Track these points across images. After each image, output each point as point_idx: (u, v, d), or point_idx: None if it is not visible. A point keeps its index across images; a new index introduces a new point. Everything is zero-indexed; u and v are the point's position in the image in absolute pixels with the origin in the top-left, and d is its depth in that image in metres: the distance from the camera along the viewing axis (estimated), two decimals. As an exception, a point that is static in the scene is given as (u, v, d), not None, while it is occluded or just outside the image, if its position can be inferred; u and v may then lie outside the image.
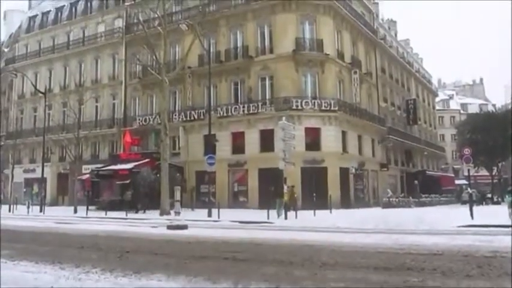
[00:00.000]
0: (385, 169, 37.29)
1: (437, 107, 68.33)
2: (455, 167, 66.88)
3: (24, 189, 39.94)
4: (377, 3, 48.45)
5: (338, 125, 29.46)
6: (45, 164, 33.37)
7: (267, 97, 29.64)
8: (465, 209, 19.78)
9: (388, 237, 10.48)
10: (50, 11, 44.92)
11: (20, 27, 48.23)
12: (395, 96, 45.32)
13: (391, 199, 32.03)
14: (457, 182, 56.95)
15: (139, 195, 28.00)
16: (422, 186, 40.16)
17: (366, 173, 33.66)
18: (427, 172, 47.91)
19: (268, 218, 18.18)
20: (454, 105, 78.39)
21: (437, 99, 69.22)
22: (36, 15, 46.39)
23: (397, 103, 45.52)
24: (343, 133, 30.31)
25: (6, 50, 51.78)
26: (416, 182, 40.78)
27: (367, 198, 33.37)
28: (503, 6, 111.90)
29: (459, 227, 13.62)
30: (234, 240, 10.97)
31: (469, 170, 22.12)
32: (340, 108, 29.45)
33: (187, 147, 31.43)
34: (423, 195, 37.03)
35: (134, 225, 17.21)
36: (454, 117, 74.82)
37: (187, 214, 21.83)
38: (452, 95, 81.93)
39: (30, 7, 50.32)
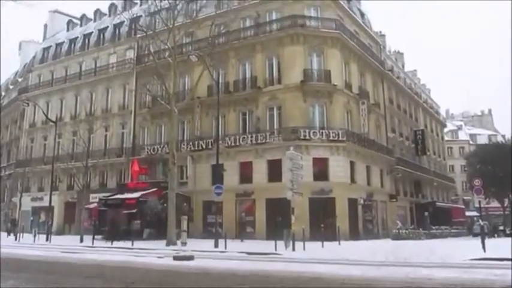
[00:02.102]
0: (394, 200, 36.84)
1: (446, 138, 68.05)
2: (465, 198, 65.98)
3: (32, 218, 39.89)
4: (384, 35, 49.14)
5: (346, 155, 29.37)
6: (53, 192, 33.47)
7: (275, 127, 29.75)
8: (477, 241, 19.39)
9: (399, 271, 10.24)
10: (64, 42, 46.10)
11: (34, 57, 49.45)
12: (404, 126, 45.28)
13: (400, 231, 31.49)
14: (467, 213, 56.11)
15: (146, 225, 27.93)
16: (432, 218, 39.54)
17: (374, 203, 33.26)
18: (437, 203, 47.23)
19: (275, 249, 17.90)
20: (462, 135, 78.09)
21: (445, 129, 69.03)
22: (50, 46, 47.59)
23: (406, 133, 45.43)
24: (352, 163, 30.16)
25: (19, 79, 52.96)
26: (426, 213, 40.18)
27: (376, 230, 32.85)
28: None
29: (471, 260, 13.28)
30: (241, 272, 10.78)
31: (480, 202, 21.82)
32: (348, 139, 29.42)
33: (194, 177, 31.41)
34: (433, 227, 36.41)
35: (140, 256, 17.00)
36: (463, 148, 74.40)
37: (194, 244, 21.62)
38: (461, 125, 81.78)
39: (44, 38, 51.68)
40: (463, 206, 60.38)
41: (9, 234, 30.19)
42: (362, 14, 40.14)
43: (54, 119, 35.21)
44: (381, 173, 35.26)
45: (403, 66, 54.38)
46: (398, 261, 13.01)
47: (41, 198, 39.43)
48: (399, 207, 39.34)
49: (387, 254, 15.82)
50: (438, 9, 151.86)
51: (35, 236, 29.02)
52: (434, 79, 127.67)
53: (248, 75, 31.64)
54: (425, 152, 47.82)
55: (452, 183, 61.20)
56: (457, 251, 17.22)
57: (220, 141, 26.83)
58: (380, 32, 47.95)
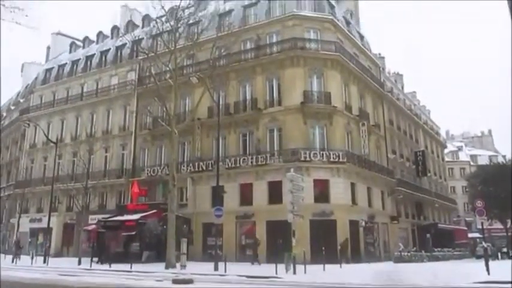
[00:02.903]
0: (396, 222, 36.54)
1: (446, 159, 67.98)
2: (467, 219, 65.51)
3: (30, 239, 39.50)
4: (383, 57, 49.62)
5: (347, 177, 29.26)
6: (52, 213, 33.24)
7: (275, 149, 29.71)
8: (480, 263, 19.11)
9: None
10: (66, 63, 46.54)
11: (36, 78, 49.84)
12: (404, 147, 45.28)
13: (403, 253, 31.14)
14: (470, 235, 55.58)
15: (145, 247, 27.66)
16: (435, 240, 39.20)
17: (376, 226, 32.97)
18: (439, 225, 46.87)
19: (276, 273, 17.63)
20: (463, 156, 78.03)
21: (446, 150, 69.02)
22: (52, 68, 48.03)
23: (406, 155, 45.41)
24: (352, 185, 30.03)
25: (21, 100, 53.23)
26: (428, 235, 39.86)
27: (378, 252, 32.48)
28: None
29: (476, 283, 13.09)
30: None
31: (482, 223, 21.58)
32: (349, 160, 29.36)
33: (194, 199, 31.23)
34: (436, 249, 36.02)
35: (139, 279, 16.76)
36: (464, 169, 74.23)
37: (194, 267, 21.35)
38: (461, 146, 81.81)
39: (47, 60, 52.19)
40: (466, 228, 59.91)
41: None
42: (361, 37, 40.60)
43: (54, 140, 35.28)
44: (381, 194, 35.08)
45: (402, 88, 54.74)
46: (402, 285, 12.81)
47: (40, 220, 39.13)
48: (401, 229, 39.00)
49: (390, 277, 15.59)
50: (436, 31, 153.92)
51: (32, 258, 28.71)
52: (433, 100, 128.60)
53: (248, 96, 31.80)
54: (426, 173, 47.68)
55: (454, 205, 60.86)
56: (460, 274, 17.02)
57: (220, 163, 26.76)
58: (379, 54, 48.43)
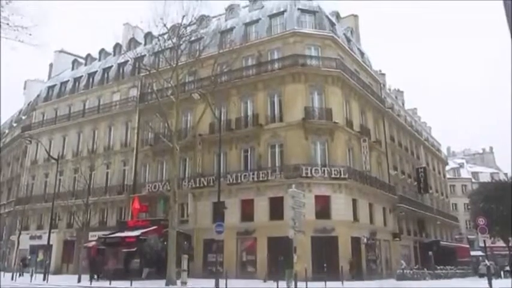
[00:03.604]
0: (398, 239, 36.25)
1: (448, 176, 67.83)
2: (469, 237, 65.02)
3: (29, 257, 39.19)
4: (384, 74, 49.96)
5: (348, 193, 29.16)
6: (52, 230, 33.04)
7: (277, 164, 29.69)
8: (483, 282, 18.89)
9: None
10: (68, 80, 46.85)
11: (38, 95, 50.14)
12: (405, 164, 45.22)
13: (405, 271, 30.83)
14: (472, 253, 55.06)
15: (145, 264, 27.41)
16: (437, 257, 38.82)
17: (378, 242, 32.70)
18: (441, 242, 46.49)
19: (277, 290, 17.47)
20: (465, 173, 77.87)
21: (447, 167, 68.90)
22: (55, 85, 48.33)
23: (407, 171, 45.32)
24: (354, 201, 29.89)
25: (23, 117, 53.48)
26: (430, 252, 39.48)
27: (380, 270, 32.14)
28: None
29: (479, 302, 12.92)
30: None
31: (484, 241, 21.42)
32: (350, 176, 29.30)
33: (195, 215, 31.10)
34: (438, 267, 35.66)
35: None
36: (465, 185, 74.01)
37: (195, 284, 21.15)
38: (463, 163, 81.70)
39: (49, 77, 52.58)
40: (468, 245, 59.39)
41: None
42: (362, 53, 40.95)
43: (56, 156, 35.27)
44: (383, 211, 34.90)
45: (403, 104, 54.95)
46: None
47: (40, 237, 38.89)
48: (403, 246, 38.67)
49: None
50: (437, 48, 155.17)
51: (32, 275, 28.44)
52: (434, 117, 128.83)
53: (250, 112, 31.93)
54: (428, 190, 47.51)
55: (456, 222, 60.48)
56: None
57: (221, 179, 26.71)
58: (380, 70, 48.77)
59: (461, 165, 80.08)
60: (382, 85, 44.10)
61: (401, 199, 38.79)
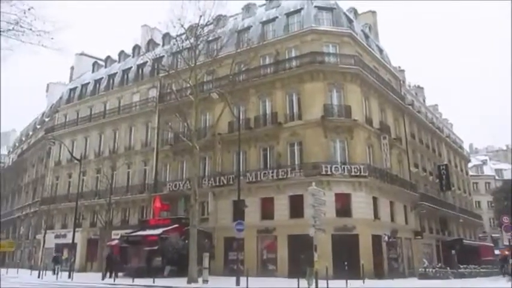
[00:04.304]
0: (420, 237, 35.79)
1: (470, 173, 66.60)
2: (493, 235, 63.77)
3: (54, 254, 40.08)
4: (403, 70, 49.34)
5: (369, 191, 28.93)
6: (76, 229, 33.74)
7: (296, 163, 29.66)
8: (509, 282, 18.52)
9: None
10: (89, 82, 47.70)
11: (60, 98, 51.18)
12: (427, 161, 44.59)
13: (427, 269, 30.41)
14: (496, 251, 53.98)
15: (167, 262, 27.76)
16: (460, 256, 38.16)
17: (399, 241, 32.35)
18: (464, 241, 45.67)
19: (298, 288, 17.47)
20: (488, 170, 76.36)
21: (470, 164, 67.67)
22: (76, 87, 49.26)
23: (429, 169, 44.67)
24: (374, 199, 29.65)
25: (46, 119, 54.69)
26: (453, 251, 38.84)
27: (401, 268, 31.81)
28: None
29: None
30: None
31: (510, 240, 21.03)
32: (371, 174, 29.07)
33: (216, 213, 31.31)
34: (461, 266, 35.05)
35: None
36: (489, 183, 72.63)
37: (216, 282, 21.31)
38: (486, 160, 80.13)
39: (71, 79, 53.62)
40: (492, 244, 58.23)
41: (56, 273, 30.13)
42: (380, 50, 40.54)
43: (78, 157, 36.00)
44: (404, 209, 34.50)
45: (423, 101, 54.16)
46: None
47: (64, 235, 39.74)
48: (425, 244, 38.17)
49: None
50: (458, 43, 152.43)
51: (57, 273, 29.13)
52: (456, 113, 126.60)
53: (268, 111, 31.96)
54: (450, 188, 46.76)
55: (479, 220, 59.34)
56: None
57: (241, 177, 26.84)
58: (399, 67, 48.19)
59: (484, 162, 78.54)
60: (401, 82, 43.57)
61: (422, 197, 38.28)
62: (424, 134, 45.67)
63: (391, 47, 65.47)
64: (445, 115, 64.21)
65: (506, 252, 33.79)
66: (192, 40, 27.19)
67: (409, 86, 51.33)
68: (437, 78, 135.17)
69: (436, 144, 49.58)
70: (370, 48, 36.11)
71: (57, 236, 41.23)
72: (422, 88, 57.33)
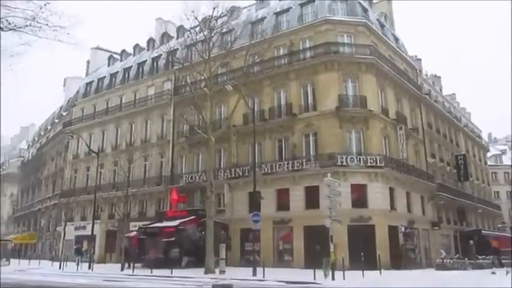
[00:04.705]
0: (437, 228, 35.49)
1: (489, 163, 65.54)
2: (513, 226, 62.70)
3: (75, 246, 40.90)
4: (420, 59, 48.63)
5: (385, 182, 28.75)
6: (95, 221, 34.32)
7: (311, 154, 29.61)
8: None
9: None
10: (105, 76, 48.17)
11: (77, 92, 51.84)
12: (444, 151, 44.04)
13: (445, 260, 30.18)
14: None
15: (184, 253, 28.09)
16: (478, 247, 37.73)
17: (416, 231, 32.13)
18: (483, 231, 45.11)
19: (314, 279, 17.56)
20: (507, 160, 74.99)
21: (488, 154, 66.57)
22: (92, 81, 49.84)
23: (446, 159, 44.13)
24: (391, 190, 29.47)
25: (64, 113, 55.52)
26: (471, 242, 38.41)
27: (418, 259, 31.63)
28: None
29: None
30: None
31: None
32: (387, 165, 28.86)
33: (232, 205, 31.51)
34: (479, 257, 34.67)
35: (179, 284, 17.09)
36: (508, 173, 71.38)
37: (232, 272, 21.52)
38: (505, 149, 78.69)
39: (87, 74, 54.23)
40: (511, 235, 57.37)
41: (79, 264, 30.80)
42: (396, 39, 39.99)
43: (96, 150, 36.47)
44: (421, 199, 34.22)
45: (440, 90, 53.36)
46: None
47: (84, 227, 40.46)
48: (442, 235, 37.85)
49: (432, 285, 15.20)
50: (476, 30, 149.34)
51: (78, 264, 29.73)
52: (474, 103, 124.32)
53: (283, 102, 31.89)
54: (468, 178, 46.15)
55: (498, 211, 58.48)
56: (508, 283, 16.30)
57: (256, 169, 26.92)
58: (415, 56, 47.50)
59: (503, 152, 77.15)
60: (418, 71, 42.97)
61: (440, 187, 37.88)
62: (441, 123, 45.06)
63: (408, 35, 64.53)
64: (463, 104, 63.19)
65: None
66: (205, 32, 27.23)
67: (426, 75, 50.58)
68: (455, 67, 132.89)
69: (454, 134, 48.91)
70: (385, 38, 35.66)
71: (76, 228, 42.01)
72: (439, 77, 56.47)
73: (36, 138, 71.36)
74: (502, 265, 33.55)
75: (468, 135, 54.43)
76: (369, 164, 28.08)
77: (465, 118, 58.14)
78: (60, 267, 30.13)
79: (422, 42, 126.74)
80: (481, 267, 32.31)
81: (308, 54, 31.61)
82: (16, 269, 30.81)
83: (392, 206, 29.24)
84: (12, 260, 39.45)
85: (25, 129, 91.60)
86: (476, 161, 55.50)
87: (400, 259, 27.93)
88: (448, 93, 57.01)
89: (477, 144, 57.89)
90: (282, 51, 33.07)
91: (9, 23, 11.36)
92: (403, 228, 29.32)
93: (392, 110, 32.79)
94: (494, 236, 48.07)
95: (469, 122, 59.40)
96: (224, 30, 30.77)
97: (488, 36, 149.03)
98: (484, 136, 68.55)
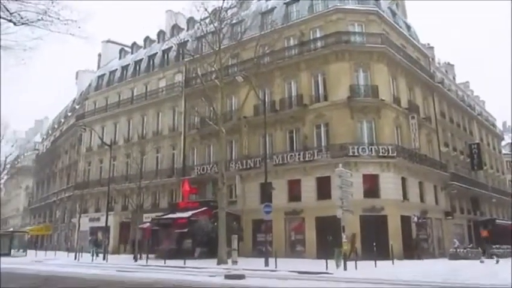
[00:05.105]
0: (450, 217, 35.25)
1: (504, 151, 64.65)
2: (529, 215, 61.88)
3: (89, 238, 41.54)
4: (432, 47, 47.94)
5: (397, 172, 28.59)
6: (109, 213, 34.77)
7: (323, 144, 29.53)
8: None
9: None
10: (116, 69, 48.42)
11: (89, 85, 52.27)
12: (457, 140, 43.56)
13: (458, 250, 30.01)
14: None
15: (197, 244, 28.36)
16: (492, 236, 37.41)
17: (429, 221, 31.99)
18: (497, 221, 44.69)
19: (326, 269, 17.63)
20: (523, 148, 73.82)
21: (503, 143, 65.65)
22: (104, 74, 50.15)
23: (460, 148, 43.66)
24: (403, 180, 29.30)
25: (77, 106, 56.07)
26: (485, 231, 38.09)
27: (431, 249, 31.51)
28: None
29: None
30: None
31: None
32: (399, 154, 28.67)
33: (243, 196, 31.64)
34: (493, 246, 34.38)
35: (193, 274, 17.29)
36: (523, 161, 70.25)
37: (245, 263, 21.69)
38: (520, 138, 77.43)
39: (99, 67, 54.57)
40: (527, 224, 56.74)
41: (96, 255, 31.37)
42: (408, 27, 39.45)
43: (109, 143, 36.86)
44: (434, 189, 33.98)
45: (454, 78, 52.62)
46: (458, 283, 12.42)
47: (98, 219, 41.03)
48: (456, 225, 37.58)
49: (445, 274, 15.14)
50: (490, 16, 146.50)
51: (93, 255, 30.23)
52: (488, 91, 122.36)
53: (294, 93, 31.77)
54: (482, 167, 45.64)
55: (514, 199, 57.74)
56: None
57: (268, 160, 26.96)
58: (428, 44, 46.83)
59: (518, 140, 75.95)
60: (430, 59, 42.37)
61: (453, 177, 37.54)
62: (454, 112, 44.52)
63: (420, 23, 63.64)
64: (477, 92, 62.26)
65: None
66: (216, 24, 27.18)
67: (439, 64, 49.89)
68: (468, 54, 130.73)
69: (467, 123, 48.31)
70: (397, 26, 35.19)
71: (91, 220, 42.61)
72: (452, 65, 55.64)
73: (50, 132, 72.25)
74: None
75: (482, 123, 53.72)
76: (380, 154, 27.92)
77: (479, 106, 57.34)
78: (75, 258, 30.69)
79: (435, 30, 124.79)
80: (495, 256, 32.06)
81: (319, 44, 31.38)
82: (33, 259, 31.49)
83: (405, 196, 29.09)
84: (29, 251, 40.32)
85: (39, 122, 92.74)
86: (491, 149, 54.82)
87: (413, 249, 27.86)
88: (461, 82, 56.19)
89: (491, 132, 57.14)
90: (292, 42, 32.87)
91: (22, 17, 11.45)
92: (415, 218, 29.20)
93: (405, 99, 32.47)
94: (509, 225, 47.62)
95: (483, 110, 58.58)
96: (234, 21, 30.63)
97: (504, 22, 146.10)
98: (499, 125, 67.58)
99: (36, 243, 54.10)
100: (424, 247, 30.22)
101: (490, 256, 31.35)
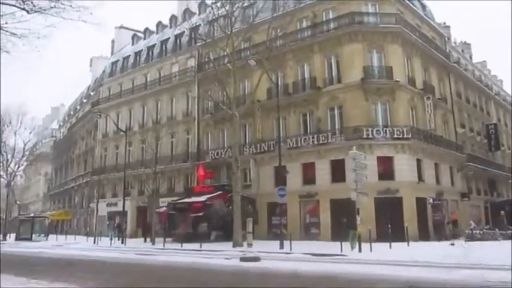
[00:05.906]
0: (467, 199, 34.97)
1: (522, 131, 63.44)
2: (548, 195, 60.98)
3: (108, 222, 42.37)
4: (448, 26, 46.95)
5: (412, 153, 28.38)
6: (125, 198, 35.36)
7: (337, 127, 29.40)
8: None
9: (473, 273, 9.80)
10: (130, 55, 48.59)
11: (103, 72, 52.61)
12: (474, 121, 42.90)
13: (474, 231, 29.83)
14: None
15: (212, 227, 28.74)
16: (510, 218, 37.07)
17: (445, 203, 31.78)
18: (515, 202, 44.15)
19: (341, 251, 17.75)
20: (542, 128, 72.37)
21: (522, 122, 64.38)
22: (117, 61, 50.37)
23: (476, 128, 43.02)
24: (418, 161, 29.09)
25: (92, 93, 56.60)
26: (502, 212, 37.74)
27: (447, 230, 31.39)
28: None
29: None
30: (308, 273, 10.85)
31: None
32: (414, 136, 28.41)
33: (258, 179, 31.81)
34: (511, 227, 34.09)
35: (209, 257, 17.59)
36: (542, 141, 68.93)
37: (260, 246, 21.93)
38: (540, 117, 75.83)
39: (112, 53, 54.83)
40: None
41: (118, 238, 32.20)
42: (423, 6, 38.61)
43: (124, 129, 37.24)
44: (450, 170, 33.66)
45: (470, 58, 51.55)
46: (473, 264, 12.42)
47: (115, 204, 41.75)
48: (472, 206, 37.28)
49: (460, 255, 15.13)
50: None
51: (111, 239, 30.89)
52: (506, 70, 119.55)
53: (307, 76, 31.55)
54: (499, 148, 44.96)
55: (532, 180, 56.91)
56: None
57: (281, 143, 27.00)
58: (444, 23, 45.85)
59: (537, 120, 74.44)
60: (446, 38, 41.51)
61: (469, 158, 37.11)
62: (471, 92, 43.74)
63: (435, 2, 62.08)
64: (494, 72, 61.08)
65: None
66: (227, 7, 27.05)
67: (455, 43, 48.86)
68: (485, 33, 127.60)
69: (484, 103, 47.44)
70: (411, 5, 34.44)
71: (108, 205, 43.39)
72: (469, 44, 54.41)
73: (66, 118, 73.22)
74: None
75: (500, 103, 52.71)
76: (395, 136, 27.72)
77: (496, 86, 56.19)
78: (94, 242, 31.39)
79: (451, 8, 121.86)
80: (512, 237, 31.84)
81: (332, 25, 30.98)
82: (54, 244, 32.34)
83: (420, 178, 28.92)
84: (50, 236, 41.37)
85: (55, 109, 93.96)
86: (508, 130, 53.87)
87: (428, 230, 27.81)
88: (478, 61, 55.05)
89: (509, 112, 56.05)
90: (304, 24, 32.50)
91: (34, 5, 11.54)
92: (431, 200, 29.05)
93: (420, 80, 32.01)
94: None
95: (500, 90, 57.42)
96: (246, 4, 30.46)
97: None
98: (517, 104, 66.18)
99: (57, 227, 55.46)
100: (440, 229, 30.06)
101: (509, 237, 31.14)
